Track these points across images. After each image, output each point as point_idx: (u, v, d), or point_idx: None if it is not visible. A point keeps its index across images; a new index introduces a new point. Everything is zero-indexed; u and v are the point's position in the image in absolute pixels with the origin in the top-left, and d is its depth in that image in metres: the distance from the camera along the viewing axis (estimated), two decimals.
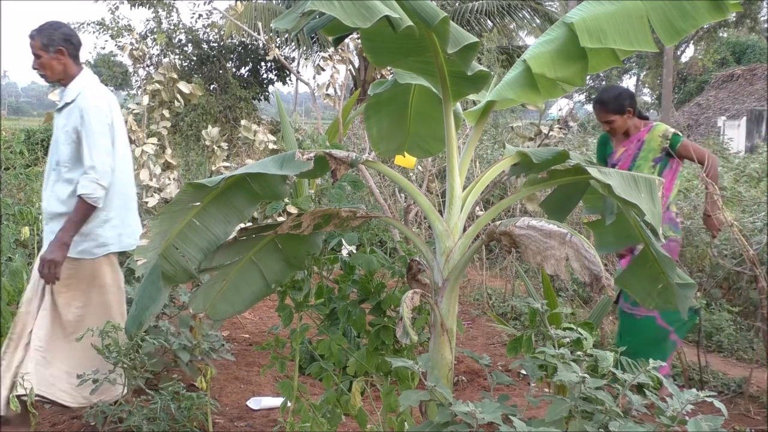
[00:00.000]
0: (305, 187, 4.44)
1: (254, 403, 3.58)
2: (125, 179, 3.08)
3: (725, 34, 27.68)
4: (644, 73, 33.30)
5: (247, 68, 12.74)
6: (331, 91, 5.47)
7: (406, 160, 3.92)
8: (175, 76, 4.77)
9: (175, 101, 4.73)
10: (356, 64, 13.51)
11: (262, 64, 12.76)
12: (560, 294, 5.59)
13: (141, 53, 5.27)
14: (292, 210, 3.98)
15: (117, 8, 11.39)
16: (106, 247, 2.97)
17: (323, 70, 5.57)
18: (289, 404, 2.51)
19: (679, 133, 3.65)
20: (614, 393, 1.79)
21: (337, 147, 2.75)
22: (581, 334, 2.02)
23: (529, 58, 2.01)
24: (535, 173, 2.21)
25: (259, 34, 6.15)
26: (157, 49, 11.34)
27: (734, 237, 3.65)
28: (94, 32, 11.76)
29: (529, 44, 8.95)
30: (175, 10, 11.67)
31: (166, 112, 4.74)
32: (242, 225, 2.26)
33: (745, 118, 19.22)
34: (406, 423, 2.32)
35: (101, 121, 2.89)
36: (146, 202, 4.40)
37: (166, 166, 4.67)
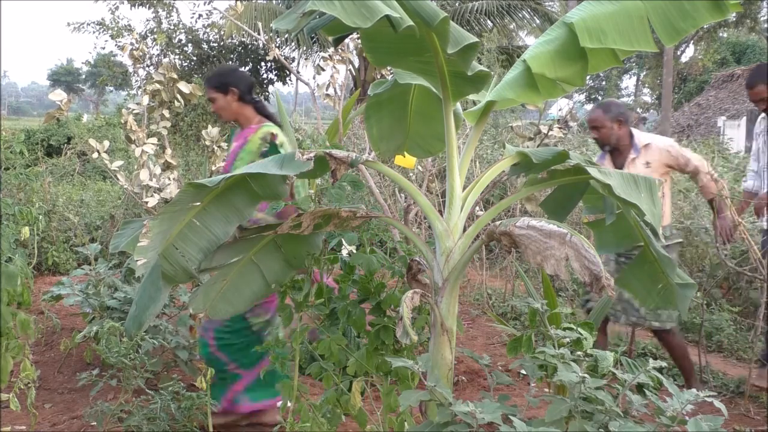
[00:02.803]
0: (305, 187, 4.44)
1: None
2: None
3: (725, 34, 27.68)
4: (644, 73, 33.30)
5: (247, 68, 12.75)
6: (331, 91, 5.46)
7: (406, 160, 3.91)
8: (175, 76, 4.76)
9: (175, 101, 4.72)
10: (356, 64, 13.52)
11: (262, 64, 12.78)
12: (560, 294, 5.59)
13: (141, 53, 5.26)
14: None
15: (117, 8, 11.40)
16: None
17: (323, 70, 5.56)
18: (289, 404, 2.51)
19: (280, 146, 3.17)
20: (614, 393, 1.79)
21: (337, 147, 2.75)
22: (581, 334, 2.02)
23: (529, 58, 2.01)
24: (535, 173, 2.21)
25: (259, 34, 6.14)
26: (157, 49, 11.35)
27: (739, 237, 3.66)
28: (94, 32, 11.78)
29: (529, 44, 8.95)
30: (175, 10, 11.68)
31: (166, 112, 4.73)
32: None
33: (745, 118, 19.22)
34: (406, 423, 2.32)
35: None
36: (146, 202, 4.40)
37: (166, 166, 4.67)
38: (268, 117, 3.33)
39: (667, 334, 3.65)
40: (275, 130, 3.21)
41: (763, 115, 4.02)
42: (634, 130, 3.72)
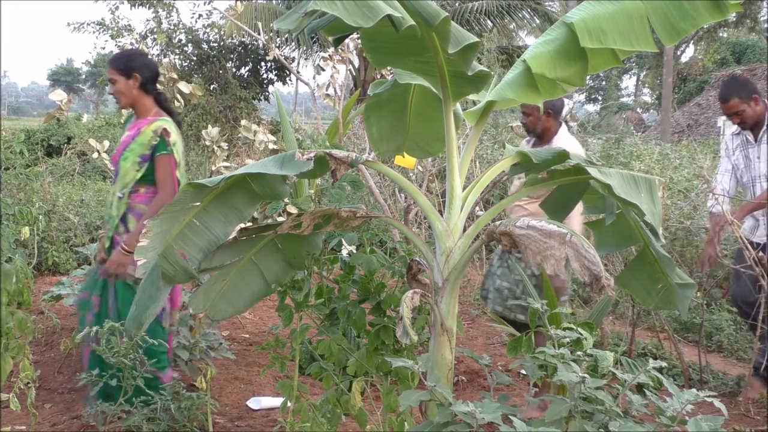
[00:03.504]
0: (305, 187, 4.44)
1: (254, 403, 3.58)
2: None
3: (725, 34, 27.67)
4: (644, 73, 33.30)
5: (247, 68, 12.76)
6: (331, 91, 5.46)
7: (406, 160, 3.91)
8: (175, 76, 4.77)
9: (175, 101, 4.73)
10: (356, 64, 13.52)
11: (262, 64, 12.78)
12: None
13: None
14: (292, 210, 3.98)
15: (117, 8, 11.41)
16: None
17: (323, 70, 5.57)
18: (289, 404, 2.51)
19: (170, 145, 3.09)
20: (614, 393, 1.79)
21: (337, 147, 2.75)
22: (581, 334, 2.02)
23: (529, 58, 2.01)
24: (535, 173, 2.22)
25: (259, 34, 6.14)
26: (157, 49, 11.36)
27: (734, 236, 3.66)
28: (94, 32, 11.79)
29: (529, 44, 8.96)
30: (175, 10, 11.68)
31: None
32: (242, 225, 2.26)
33: None
34: (406, 423, 2.32)
35: None
36: None
37: None
38: (168, 112, 3.21)
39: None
40: (170, 126, 3.11)
41: (735, 129, 4.01)
42: (563, 129, 3.73)
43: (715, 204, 3.98)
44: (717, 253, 3.95)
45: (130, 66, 3.11)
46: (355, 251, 2.66)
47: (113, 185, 3.18)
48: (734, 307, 3.81)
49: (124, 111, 4.56)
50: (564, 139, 3.63)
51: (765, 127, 3.83)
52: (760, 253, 3.56)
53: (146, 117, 3.15)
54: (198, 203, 2.07)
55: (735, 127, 4.00)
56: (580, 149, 3.68)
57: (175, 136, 3.12)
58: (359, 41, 3.43)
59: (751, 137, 3.89)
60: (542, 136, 3.71)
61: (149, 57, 3.32)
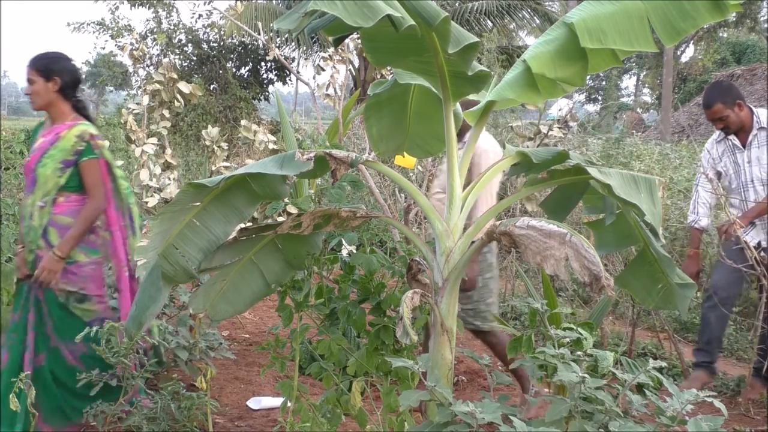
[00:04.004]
0: (305, 187, 4.44)
1: (254, 403, 3.58)
2: None
3: (725, 34, 27.66)
4: (644, 73, 33.27)
5: (247, 68, 12.76)
6: (331, 91, 5.46)
7: (406, 160, 3.91)
8: (175, 76, 4.77)
9: (175, 101, 4.73)
10: (356, 64, 13.51)
11: (262, 64, 12.77)
12: (560, 294, 5.59)
13: (141, 53, 5.27)
14: (292, 210, 3.98)
15: (117, 8, 11.41)
16: None
17: (323, 70, 5.57)
18: (289, 404, 2.51)
19: (98, 148, 3.04)
20: (614, 393, 1.79)
21: (337, 147, 2.75)
22: (581, 334, 2.02)
23: (529, 58, 2.01)
24: (535, 173, 2.22)
25: (259, 34, 6.15)
26: (157, 49, 11.36)
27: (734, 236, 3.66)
28: (94, 32, 11.79)
29: (529, 44, 8.95)
30: (175, 10, 11.68)
31: (166, 112, 4.74)
32: (242, 225, 2.26)
33: None
34: (406, 423, 2.32)
35: None
36: (146, 202, 4.40)
37: (166, 166, 4.67)
38: (87, 118, 3.12)
39: (485, 335, 3.57)
40: (94, 130, 3.05)
41: (717, 136, 4.01)
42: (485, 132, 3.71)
43: (697, 219, 4.02)
44: (700, 267, 3.99)
45: (50, 68, 3.02)
46: (355, 251, 2.66)
47: (29, 195, 3.02)
48: (712, 297, 3.81)
49: (123, 111, 4.57)
50: (483, 141, 3.54)
51: (754, 132, 3.83)
52: (762, 254, 3.56)
53: (63, 122, 3.05)
54: (198, 203, 2.07)
55: (717, 134, 4.01)
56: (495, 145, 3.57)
57: (102, 141, 3.05)
58: (359, 41, 3.43)
59: (737, 142, 3.89)
60: (461, 134, 3.64)
61: (72, 62, 3.18)
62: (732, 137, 3.90)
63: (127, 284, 3.08)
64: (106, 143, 3.09)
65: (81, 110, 3.12)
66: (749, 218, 3.74)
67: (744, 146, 3.87)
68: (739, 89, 3.94)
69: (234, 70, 12.45)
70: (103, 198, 3.01)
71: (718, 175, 3.99)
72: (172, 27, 11.71)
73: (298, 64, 15.06)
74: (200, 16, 12.29)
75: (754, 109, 3.88)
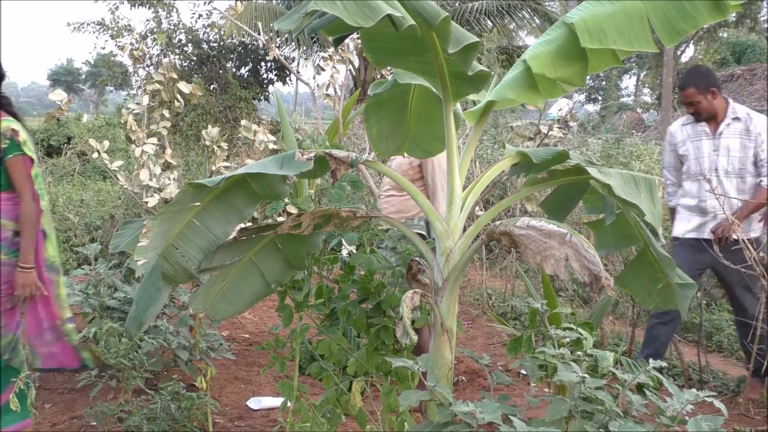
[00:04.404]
0: (305, 187, 4.44)
1: (254, 403, 3.58)
2: None
3: (725, 34, 27.66)
4: (644, 73, 33.29)
5: (247, 68, 12.76)
6: (331, 91, 5.46)
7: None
8: (175, 76, 4.76)
9: (175, 101, 4.72)
10: (356, 64, 13.52)
11: (262, 64, 12.78)
12: (560, 294, 5.60)
13: (141, 53, 5.26)
14: (292, 210, 3.98)
15: (117, 8, 11.41)
16: None
17: (323, 70, 5.57)
18: (289, 404, 2.51)
19: (22, 144, 2.97)
20: (614, 393, 1.79)
21: (337, 147, 2.75)
22: (581, 334, 2.02)
23: (529, 58, 2.01)
24: (535, 173, 2.21)
25: (259, 34, 6.14)
26: (157, 49, 11.36)
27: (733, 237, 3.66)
28: (94, 32, 11.79)
29: (529, 44, 8.95)
30: (175, 10, 11.68)
31: (166, 112, 4.74)
32: (242, 225, 2.26)
33: None
34: (406, 423, 2.32)
35: None
36: (146, 202, 4.40)
37: (166, 166, 4.67)
38: (13, 115, 3.04)
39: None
40: (17, 125, 2.98)
41: (685, 119, 4.00)
42: None
43: (669, 199, 4.08)
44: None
45: None
46: (355, 251, 2.66)
47: None
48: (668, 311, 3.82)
49: (123, 111, 4.56)
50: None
51: (727, 121, 3.82)
52: (761, 254, 3.56)
53: None
54: (198, 203, 2.07)
55: (685, 118, 4.01)
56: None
57: (23, 135, 2.98)
58: (359, 41, 3.43)
59: (708, 129, 3.88)
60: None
61: None
62: (703, 124, 3.90)
63: (49, 286, 3.04)
64: (29, 138, 3.02)
65: (5, 106, 3.04)
66: (742, 218, 3.74)
67: (714, 134, 3.87)
68: (716, 77, 3.92)
69: (234, 70, 12.45)
70: (32, 194, 2.96)
71: (680, 158, 4.00)
72: (172, 27, 11.71)
73: (298, 64, 15.07)
74: (200, 16, 12.30)
75: (730, 101, 3.88)
